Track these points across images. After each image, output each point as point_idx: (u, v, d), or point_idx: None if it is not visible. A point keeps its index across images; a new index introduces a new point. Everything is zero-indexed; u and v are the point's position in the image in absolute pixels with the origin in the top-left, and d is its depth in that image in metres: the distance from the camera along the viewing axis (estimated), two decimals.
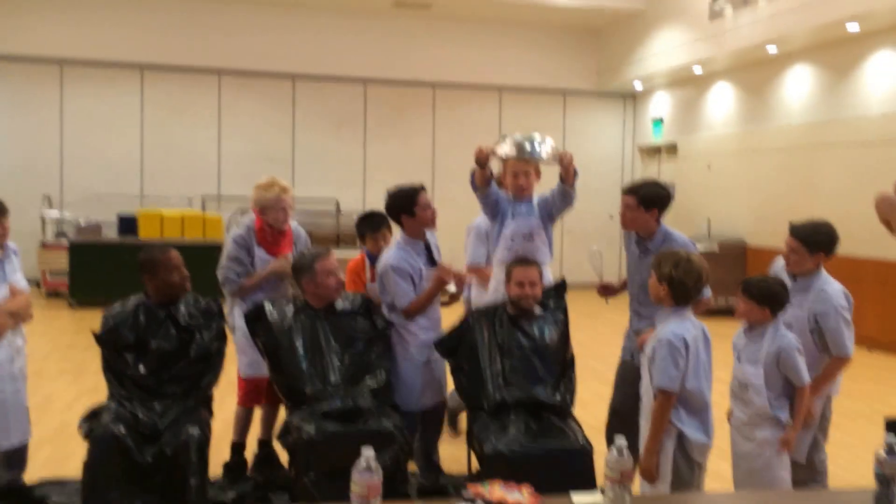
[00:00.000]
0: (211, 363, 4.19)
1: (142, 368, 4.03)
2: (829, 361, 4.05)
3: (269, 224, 4.81)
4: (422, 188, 4.62)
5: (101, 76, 13.08)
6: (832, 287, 4.12)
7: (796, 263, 4.15)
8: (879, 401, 7.08)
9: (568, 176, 4.72)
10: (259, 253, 4.78)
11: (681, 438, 3.52)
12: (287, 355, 4.15)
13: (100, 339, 4.12)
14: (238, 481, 4.67)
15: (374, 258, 4.99)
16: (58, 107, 13.00)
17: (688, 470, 3.54)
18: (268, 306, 4.29)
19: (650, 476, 3.50)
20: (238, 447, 4.86)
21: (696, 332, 3.56)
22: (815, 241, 4.13)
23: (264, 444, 4.90)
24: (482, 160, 4.70)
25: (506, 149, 4.72)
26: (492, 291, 4.87)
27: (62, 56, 12.82)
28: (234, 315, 4.76)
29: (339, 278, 4.34)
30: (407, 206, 4.54)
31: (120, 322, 4.10)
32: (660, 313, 3.69)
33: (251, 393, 4.81)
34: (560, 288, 4.59)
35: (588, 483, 3.78)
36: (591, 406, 5.43)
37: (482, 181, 4.80)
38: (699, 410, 3.55)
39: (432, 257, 4.64)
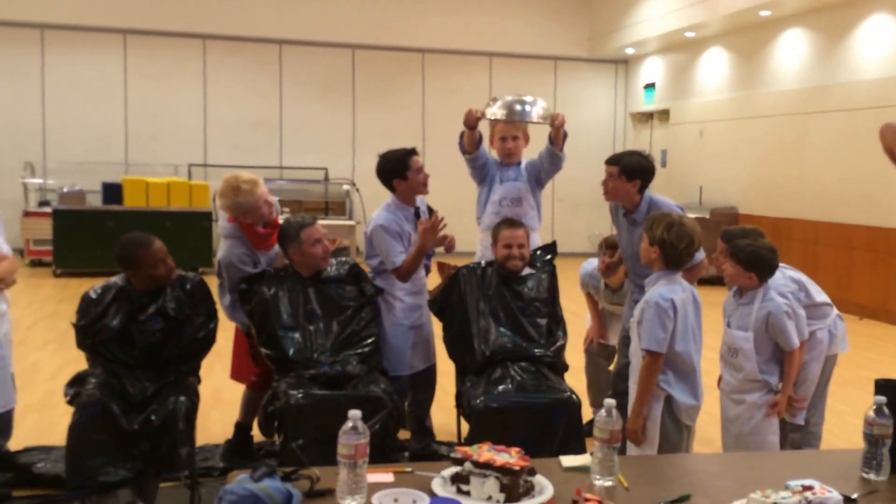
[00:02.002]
0: (201, 347, 4.08)
1: (126, 357, 3.90)
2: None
3: (255, 222, 4.38)
4: (414, 151, 4.51)
5: (83, 41, 12.89)
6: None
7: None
8: (868, 368, 7.08)
9: (557, 138, 4.67)
10: (259, 254, 4.43)
11: (669, 401, 3.50)
12: (275, 323, 4.11)
13: (80, 329, 3.95)
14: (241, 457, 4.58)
15: None
16: (39, 73, 12.81)
17: (676, 432, 3.54)
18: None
19: (636, 438, 3.50)
20: (243, 428, 4.72)
21: (685, 295, 3.54)
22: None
23: (242, 428, 4.73)
24: (471, 122, 4.63)
25: (495, 110, 4.66)
26: (478, 257, 4.83)
27: (43, 21, 12.59)
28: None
29: (326, 246, 4.27)
30: (399, 169, 4.43)
31: (101, 313, 3.90)
32: (650, 276, 3.67)
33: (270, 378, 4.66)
34: (549, 249, 4.57)
35: (576, 434, 3.83)
36: (581, 373, 5.40)
37: (471, 144, 4.74)
38: (687, 373, 3.53)
39: None
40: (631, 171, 4.23)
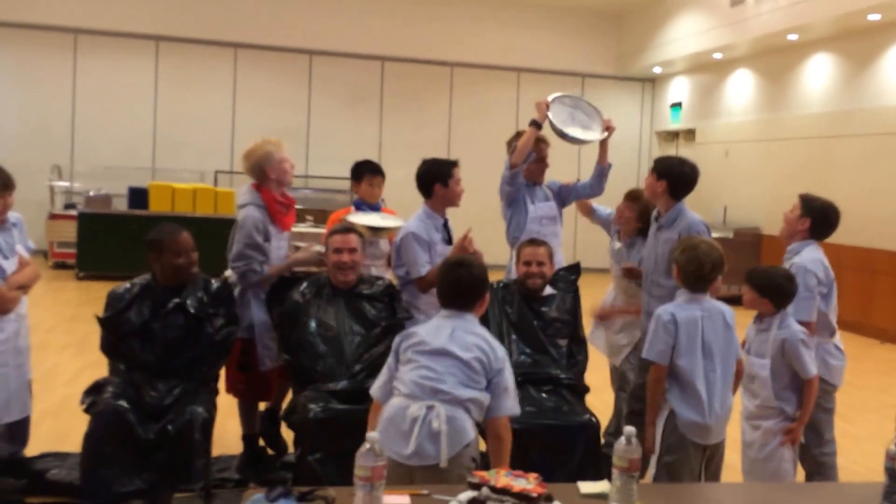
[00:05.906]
0: (220, 350, 4.10)
1: (147, 355, 3.92)
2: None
3: (276, 188, 4.54)
4: (457, 163, 4.62)
5: (116, 47, 13.00)
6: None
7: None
8: (890, 394, 7.00)
9: (604, 156, 5.08)
10: (272, 230, 4.50)
11: (672, 414, 3.54)
12: (300, 332, 4.10)
13: (103, 322, 4.00)
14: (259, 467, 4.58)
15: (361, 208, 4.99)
16: (71, 77, 12.93)
17: (679, 448, 3.51)
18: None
19: (648, 447, 3.54)
20: (250, 439, 4.70)
21: (702, 314, 3.54)
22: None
23: (249, 440, 4.72)
24: (541, 117, 4.88)
25: (559, 122, 4.92)
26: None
27: (77, 26, 12.73)
28: (253, 308, 4.45)
29: (354, 258, 4.26)
30: (443, 175, 4.51)
31: (125, 307, 3.96)
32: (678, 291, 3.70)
33: (259, 388, 4.62)
34: (573, 269, 4.58)
35: (594, 457, 3.84)
36: (602, 393, 5.37)
37: (526, 151, 4.83)
38: (692, 390, 3.51)
39: (449, 236, 4.60)
40: (661, 171, 4.32)
